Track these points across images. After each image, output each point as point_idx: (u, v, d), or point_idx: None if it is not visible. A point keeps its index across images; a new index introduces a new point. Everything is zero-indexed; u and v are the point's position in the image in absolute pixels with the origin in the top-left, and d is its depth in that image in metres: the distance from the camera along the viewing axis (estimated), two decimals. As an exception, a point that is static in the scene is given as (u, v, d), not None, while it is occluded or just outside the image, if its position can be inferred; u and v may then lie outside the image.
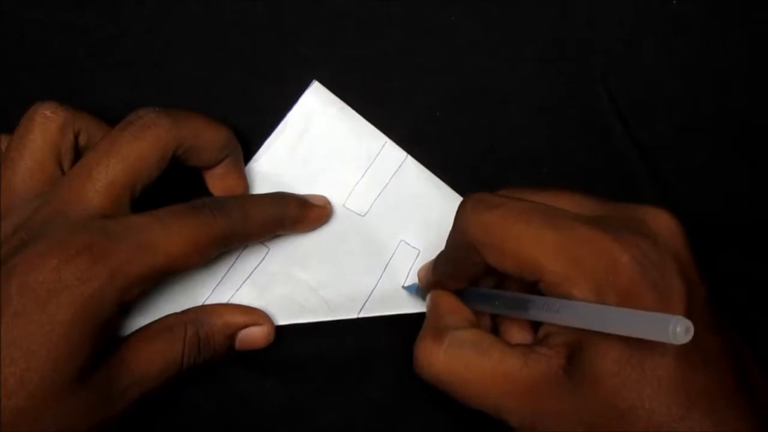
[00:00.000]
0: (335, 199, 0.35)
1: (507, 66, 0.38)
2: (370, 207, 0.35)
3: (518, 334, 0.30)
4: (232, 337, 0.31)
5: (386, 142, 0.36)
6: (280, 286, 0.33)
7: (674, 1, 0.38)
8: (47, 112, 0.30)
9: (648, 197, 0.36)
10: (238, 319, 0.31)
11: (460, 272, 0.30)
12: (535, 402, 0.25)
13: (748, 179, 0.37)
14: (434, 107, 0.37)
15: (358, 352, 0.34)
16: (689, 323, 0.20)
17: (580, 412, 0.24)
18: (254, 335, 0.32)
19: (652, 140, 0.37)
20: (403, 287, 0.34)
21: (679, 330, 0.20)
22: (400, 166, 0.36)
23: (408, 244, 0.35)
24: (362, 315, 0.34)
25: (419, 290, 0.34)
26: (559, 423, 0.25)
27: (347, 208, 0.35)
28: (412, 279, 0.34)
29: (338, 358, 0.34)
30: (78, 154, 0.31)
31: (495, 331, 0.31)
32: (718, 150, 0.37)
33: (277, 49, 0.37)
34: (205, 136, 0.31)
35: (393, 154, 0.36)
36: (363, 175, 0.36)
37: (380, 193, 0.35)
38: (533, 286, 0.26)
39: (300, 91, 0.36)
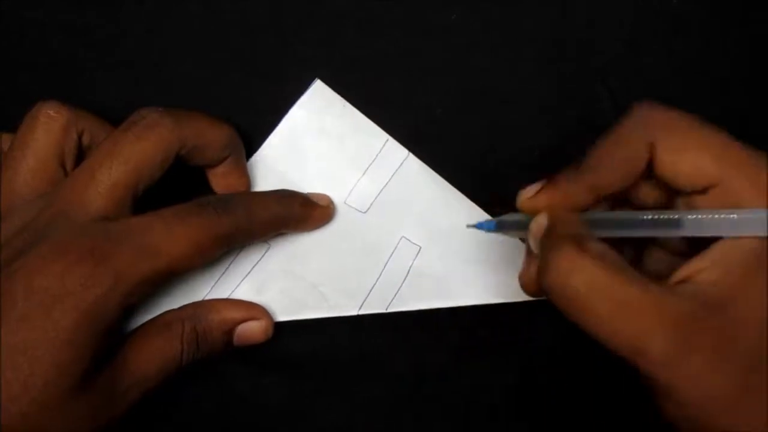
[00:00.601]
0: (336, 196, 0.35)
1: (507, 66, 0.38)
2: (372, 204, 0.35)
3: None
4: (230, 332, 0.31)
5: (388, 140, 0.36)
6: (279, 283, 0.33)
7: (674, 1, 0.38)
8: (51, 112, 0.30)
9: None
10: (236, 314, 0.31)
11: (606, 179, 0.27)
12: (683, 335, 0.23)
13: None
14: (434, 107, 0.37)
15: (358, 349, 0.34)
16: None
17: (736, 346, 0.23)
18: (252, 330, 0.32)
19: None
20: (470, 226, 0.31)
21: None
22: (401, 164, 0.36)
23: (409, 241, 0.35)
24: (362, 312, 0.34)
25: (507, 222, 0.30)
26: (710, 357, 0.23)
27: (348, 205, 0.35)
28: (414, 276, 0.34)
29: (338, 356, 0.34)
30: (81, 153, 0.31)
31: None
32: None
33: (277, 49, 0.37)
34: (208, 135, 0.31)
35: (394, 151, 0.36)
36: (364, 172, 0.36)
37: (381, 190, 0.35)
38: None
39: (300, 91, 0.36)
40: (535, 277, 0.26)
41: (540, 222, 0.27)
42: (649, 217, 0.26)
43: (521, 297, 0.34)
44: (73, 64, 0.37)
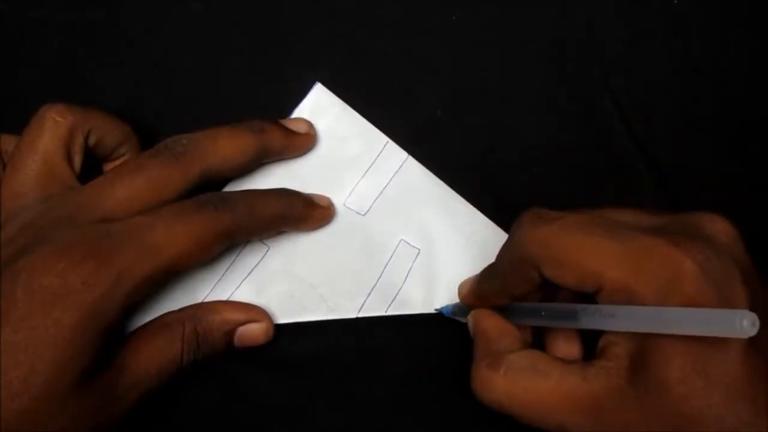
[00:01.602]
0: (336, 198, 0.35)
1: (507, 66, 0.38)
2: (371, 206, 0.35)
3: (564, 348, 0.30)
4: (230, 333, 0.31)
5: (387, 143, 0.36)
6: (279, 285, 0.33)
7: (674, 1, 0.38)
8: (56, 117, 0.30)
9: (648, 197, 0.36)
10: (237, 315, 0.31)
11: (510, 289, 0.29)
12: (599, 417, 0.25)
13: (748, 179, 0.37)
14: (434, 107, 0.37)
15: (358, 351, 0.34)
16: (755, 316, 0.20)
17: (648, 422, 0.24)
18: (253, 332, 0.32)
19: (652, 140, 0.37)
20: (436, 310, 0.34)
21: (746, 323, 0.20)
22: (401, 167, 0.36)
23: (408, 244, 0.35)
24: (362, 314, 0.34)
25: (456, 309, 0.33)
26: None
27: (348, 207, 0.35)
28: (413, 278, 0.34)
29: (337, 358, 0.34)
30: (88, 153, 0.32)
31: (537, 346, 0.31)
32: (718, 150, 0.37)
33: (277, 49, 0.37)
34: (232, 158, 0.31)
35: (394, 154, 0.36)
36: (364, 174, 0.36)
37: (381, 192, 0.35)
38: (585, 299, 0.26)
39: (300, 90, 0.36)
40: None
41: (470, 319, 0.32)
42: (547, 312, 0.29)
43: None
44: (73, 64, 0.37)
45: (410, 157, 0.36)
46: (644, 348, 0.25)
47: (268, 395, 0.33)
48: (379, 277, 0.34)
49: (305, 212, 0.33)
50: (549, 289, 0.29)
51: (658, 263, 0.24)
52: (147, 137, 0.34)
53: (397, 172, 0.36)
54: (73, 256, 0.26)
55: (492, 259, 0.34)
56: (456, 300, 0.34)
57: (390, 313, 0.34)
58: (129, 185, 0.29)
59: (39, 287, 0.25)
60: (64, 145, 0.30)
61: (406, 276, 0.34)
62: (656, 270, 0.24)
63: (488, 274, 0.31)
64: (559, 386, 0.26)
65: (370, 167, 0.36)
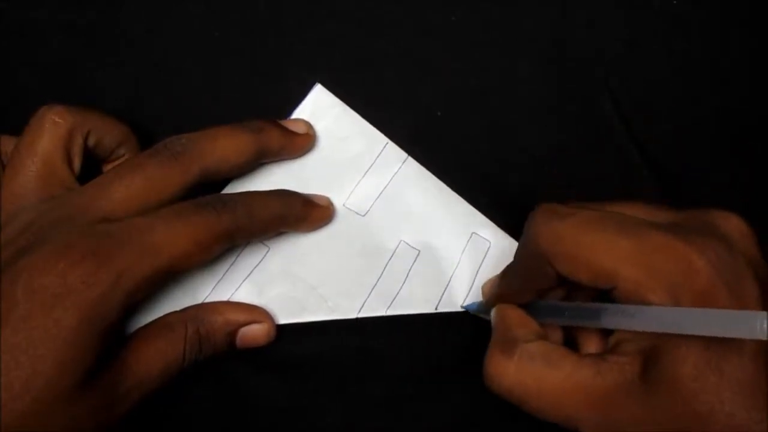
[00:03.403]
0: (336, 198, 0.35)
1: (507, 66, 0.38)
2: (371, 207, 0.35)
3: (591, 345, 0.30)
4: (232, 334, 0.31)
5: (387, 143, 0.36)
6: (279, 285, 0.33)
7: (674, 1, 0.38)
8: (56, 118, 0.30)
9: (648, 197, 0.36)
10: (239, 316, 0.31)
11: (529, 284, 0.29)
12: (609, 411, 0.25)
13: (748, 179, 0.37)
14: (434, 107, 0.37)
15: (358, 351, 0.34)
16: None
17: (658, 418, 0.24)
18: (255, 333, 0.32)
19: (652, 140, 0.37)
20: (463, 307, 0.34)
21: (766, 326, 0.20)
22: (400, 167, 0.36)
23: (408, 245, 0.35)
24: (362, 315, 0.34)
25: (481, 306, 0.33)
26: (636, 431, 0.25)
27: (348, 208, 0.35)
28: (413, 279, 0.34)
29: (338, 358, 0.34)
30: (87, 154, 0.32)
31: (567, 343, 0.31)
32: (718, 150, 0.37)
33: (277, 49, 0.37)
34: (231, 159, 0.31)
35: (394, 154, 0.36)
36: (364, 175, 0.36)
37: (381, 193, 0.35)
38: (604, 296, 0.26)
39: (300, 91, 0.36)
40: None
41: (492, 318, 0.31)
42: (570, 311, 0.29)
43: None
44: (73, 64, 0.37)
45: (410, 158, 0.36)
46: (658, 344, 0.25)
47: (269, 396, 0.33)
48: (380, 278, 0.34)
49: (304, 212, 0.33)
50: (571, 285, 0.29)
51: (671, 260, 0.24)
52: (147, 137, 0.34)
53: (396, 172, 0.36)
54: (72, 256, 0.26)
55: (492, 259, 0.34)
56: (479, 298, 0.34)
57: (390, 313, 0.34)
58: (128, 185, 0.29)
59: (39, 288, 0.25)
60: (64, 146, 0.30)
61: (406, 276, 0.34)
62: (669, 267, 0.24)
63: (507, 272, 0.31)
64: (570, 378, 0.26)
65: (370, 168, 0.36)
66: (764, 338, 0.20)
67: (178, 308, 0.31)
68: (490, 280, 0.33)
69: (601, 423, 0.25)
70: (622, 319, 0.25)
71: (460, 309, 0.34)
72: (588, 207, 0.28)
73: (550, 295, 0.30)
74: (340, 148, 0.36)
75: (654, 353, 0.25)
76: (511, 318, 0.30)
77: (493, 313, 0.31)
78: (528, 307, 0.31)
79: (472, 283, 0.34)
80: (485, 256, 0.35)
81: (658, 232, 0.25)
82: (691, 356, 0.24)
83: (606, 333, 0.29)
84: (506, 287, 0.31)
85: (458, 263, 0.35)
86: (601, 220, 0.26)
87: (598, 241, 0.26)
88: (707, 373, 0.23)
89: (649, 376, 0.24)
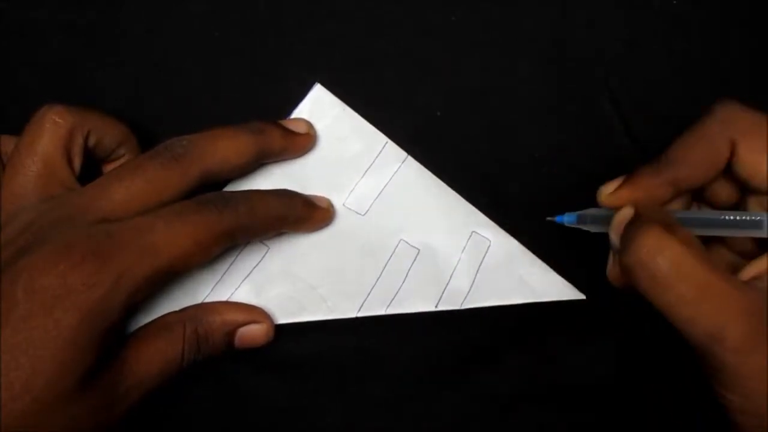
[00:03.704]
0: (335, 198, 0.35)
1: (507, 66, 0.38)
2: (370, 206, 0.35)
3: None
4: (231, 334, 0.31)
5: (387, 143, 0.36)
6: (279, 285, 0.33)
7: (674, 1, 0.38)
8: (56, 118, 0.30)
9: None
10: (237, 316, 0.31)
11: (686, 173, 0.28)
12: (760, 325, 0.24)
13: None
14: (434, 107, 0.37)
15: (358, 351, 0.34)
16: None
17: None
18: (254, 333, 0.32)
19: (652, 140, 0.37)
20: (549, 219, 0.32)
21: None
22: (400, 166, 0.36)
23: (407, 244, 0.35)
24: (361, 314, 0.34)
25: (588, 217, 0.31)
26: None
27: (347, 207, 0.35)
28: (413, 278, 0.34)
29: (338, 358, 0.34)
30: (87, 154, 0.32)
31: None
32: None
33: (277, 49, 0.37)
34: (232, 160, 0.31)
35: (393, 154, 0.36)
36: (363, 174, 0.36)
37: (380, 192, 0.35)
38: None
39: (300, 91, 0.36)
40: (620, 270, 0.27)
41: (624, 214, 0.27)
42: (732, 217, 0.27)
43: (519, 299, 0.34)
44: (73, 64, 0.37)
45: (410, 157, 0.36)
46: None
47: (269, 395, 0.33)
48: (379, 277, 0.34)
49: (305, 213, 0.33)
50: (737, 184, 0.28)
51: None
52: (147, 137, 0.34)
53: (396, 172, 0.36)
54: (73, 256, 0.26)
55: (492, 258, 0.34)
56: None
57: (390, 312, 0.34)
58: (129, 186, 0.29)
59: (39, 288, 0.25)
60: (64, 146, 0.30)
61: (406, 276, 0.34)
62: None
63: (656, 163, 0.29)
64: (727, 280, 0.24)
65: (369, 167, 0.36)
66: None
67: (177, 308, 0.31)
68: (609, 183, 0.30)
69: (752, 334, 0.24)
70: None
71: (460, 308, 0.34)
72: None
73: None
74: (339, 147, 0.36)
75: None
76: (655, 209, 0.28)
77: (623, 212, 0.28)
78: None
79: (472, 283, 0.34)
80: (485, 255, 0.35)
81: None
82: None
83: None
84: (654, 177, 0.29)
85: (458, 262, 0.35)
86: None
87: None
88: None
89: None
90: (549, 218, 0.32)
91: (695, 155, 0.28)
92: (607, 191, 0.30)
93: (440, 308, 0.34)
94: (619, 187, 0.29)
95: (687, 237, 0.25)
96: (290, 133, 0.34)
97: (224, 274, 0.33)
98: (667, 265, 0.25)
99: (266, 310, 0.33)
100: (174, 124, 0.33)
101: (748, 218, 0.27)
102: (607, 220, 0.29)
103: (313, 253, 0.34)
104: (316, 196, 0.34)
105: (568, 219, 0.31)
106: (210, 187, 0.31)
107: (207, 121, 0.32)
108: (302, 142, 0.35)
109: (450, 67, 0.38)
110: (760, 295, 0.24)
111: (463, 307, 0.34)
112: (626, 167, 0.36)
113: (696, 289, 0.24)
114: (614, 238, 0.28)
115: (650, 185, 0.29)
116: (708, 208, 0.31)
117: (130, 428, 0.29)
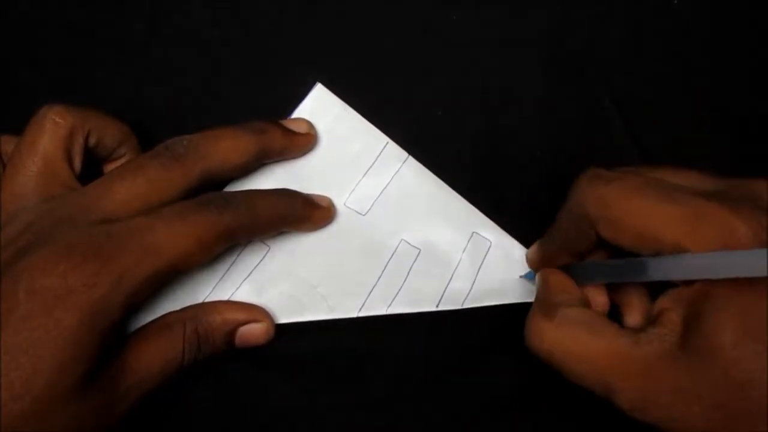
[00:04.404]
0: (336, 198, 0.35)
1: (507, 66, 0.38)
2: (371, 206, 0.35)
3: (634, 316, 0.30)
4: (231, 333, 0.31)
5: (388, 143, 0.36)
6: (280, 285, 0.33)
7: (674, 1, 0.38)
8: (56, 118, 0.30)
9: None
10: (237, 315, 0.31)
11: (570, 246, 0.30)
12: (647, 381, 0.25)
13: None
14: (434, 107, 0.37)
15: (358, 351, 0.34)
16: None
17: (698, 387, 0.24)
18: (254, 332, 0.32)
19: (652, 140, 0.37)
20: (521, 277, 0.35)
21: None
22: (401, 166, 0.36)
23: (408, 244, 0.35)
24: (362, 314, 0.34)
25: (534, 275, 0.34)
26: (674, 400, 0.25)
27: (348, 207, 0.35)
28: (413, 278, 0.34)
29: (338, 357, 0.34)
30: (88, 154, 0.32)
31: (610, 316, 0.30)
32: (718, 150, 0.37)
33: (277, 49, 0.37)
34: (233, 160, 0.32)
35: (394, 154, 0.36)
36: (364, 174, 0.36)
37: (381, 192, 0.36)
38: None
39: (300, 91, 0.36)
40: None
41: (536, 282, 0.32)
42: (611, 268, 0.29)
43: (520, 299, 0.34)
44: (74, 63, 0.37)
45: (410, 157, 0.36)
46: (698, 313, 0.24)
47: (269, 395, 0.33)
48: (380, 277, 0.34)
49: (306, 212, 0.33)
50: (611, 248, 0.29)
51: (715, 227, 0.24)
52: (147, 137, 0.34)
53: (397, 172, 0.36)
54: (73, 257, 0.26)
55: (492, 258, 0.34)
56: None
57: (390, 312, 0.34)
58: (129, 186, 0.29)
59: (40, 288, 0.25)
60: (64, 146, 0.30)
61: (407, 275, 0.34)
62: (712, 234, 0.24)
63: (548, 235, 0.32)
64: (610, 345, 0.26)
65: (370, 167, 0.36)
66: None
67: (178, 308, 0.31)
68: (534, 245, 0.34)
69: (638, 393, 0.25)
70: (669, 268, 0.25)
71: (459, 307, 0.34)
72: (633, 172, 0.28)
73: (588, 258, 0.31)
74: (340, 147, 0.36)
75: (694, 323, 0.25)
76: (553, 282, 0.31)
77: (537, 276, 0.32)
78: (571, 269, 0.31)
79: (473, 283, 0.35)
80: (486, 255, 0.35)
81: (703, 198, 0.25)
82: (731, 323, 0.24)
83: (647, 303, 0.30)
84: (546, 249, 0.32)
85: (459, 262, 0.35)
86: (647, 185, 0.27)
87: (643, 207, 0.26)
88: (747, 340, 0.23)
89: (689, 346, 0.24)
90: (520, 276, 0.35)
91: (568, 232, 0.30)
92: (529, 254, 0.34)
93: (441, 308, 0.34)
94: (534, 253, 0.33)
95: (569, 316, 0.28)
96: (291, 133, 0.34)
97: (225, 273, 0.33)
98: (548, 348, 0.28)
99: (267, 309, 0.33)
100: (174, 124, 0.33)
101: (633, 264, 0.27)
102: None
103: (314, 253, 0.34)
104: (316, 196, 0.34)
105: (527, 276, 0.34)
106: (211, 187, 0.31)
107: (207, 121, 0.32)
108: (303, 142, 0.35)
109: (450, 67, 0.38)
110: (650, 350, 0.25)
111: (463, 307, 0.34)
112: (627, 167, 0.36)
113: (579, 363, 0.27)
114: None
115: (548, 252, 0.32)
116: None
117: (130, 428, 0.29)
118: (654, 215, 0.26)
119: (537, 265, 0.33)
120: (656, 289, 0.28)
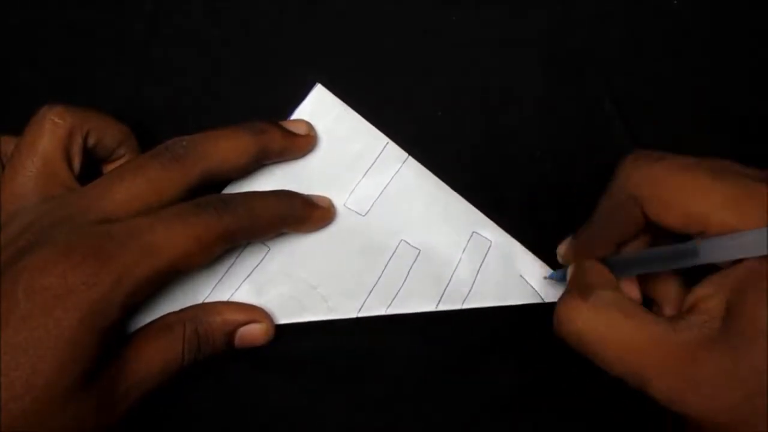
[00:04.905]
0: (336, 198, 0.35)
1: (507, 66, 0.38)
2: (371, 207, 0.35)
3: (669, 306, 0.30)
4: (231, 334, 0.31)
5: (387, 143, 0.36)
6: (279, 285, 0.33)
7: (674, 1, 0.38)
8: (56, 118, 0.30)
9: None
10: (237, 316, 0.31)
11: (613, 233, 0.29)
12: (687, 368, 0.24)
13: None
14: (434, 107, 0.37)
15: (358, 351, 0.34)
16: None
17: (740, 373, 0.23)
18: (253, 332, 0.32)
19: (652, 140, 0.37)
20: (545, 278, 0.35)
21: None
22: (401, 167, 0.36)
23: (408, 244, 0.35)
24: (362, 314, 0.34)
25: (559, 274, 0.33)
26: (715, 387, 0.24)
27: (348, 208, 0.35)
28: (413, 278, 0.34)
29: (338, 358, 0.34)
30: (87, 154, 0.32)
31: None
32: (718, 150, 0.37)
33: (277, 49, 0.37)
34: (232, 160, 0.32)
35: (394, 154, 0.36)
36: (364, 175, 0.36)
37: (381, 192, 0.35)
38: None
39: (300, 91, 0.36)
40: None
41: (569, 271, 0.31)
42: (654, 255, 0.28)
43: (520, 299, 0.34)
44: (74, 63, 0.37)
45: (410, 158, 0.36)
46: (744, 296, 0.24)
47: (269, 395, 0.33)
48: (380, 277, 0.34)
49: (305, 213, 0.33)
50: (655, 232, 0.29)
51: (763, 207, 0.24)
52: (147, 137, 0.34)
53: (397, 172, 0.36)
54: (73, 257, 0.26)
55: (492, 258, 0.34)
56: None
57: (390, 312, 0.34)
58: (129, 186, 0.29)
59: (40, 288, 0.25)
60: (64, 146, 0.30)
61: (407, 276, 0.34)
62: (762, 213, 0.24)
63: (588, 224, 0.31)
64: (645, 330, 0.25)
65: (370, 168, 0.36)
66: None
67: (178, 308, 0.31)
68: (565, 241, 0.33)
69: (676, 381, 0.25)
70: (723, 248, 0.25)
71: (459, 308, 0.34)
72: (677, 154, 0.27)
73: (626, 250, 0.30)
74: (340, 148, 0.36)
75: (739, 306, 0.24)
76: (588, 267, 0.30)
77: (570, 268, 0.31)
78: (606, 263, 0.30)
79: (473, 283, 0.35)
80: (486, 255, 0.35)
81: (751, 179, 0.25)
82: None
83: (682, 293, 0.29)
84: (586, 238, 0.31)
85: (459, 263, 0.35)
86: (696, 165, 0.26)
87: (692, 185, 0.26)
88: None
89: (733, 330, 0.24)
90: (545, 277, 0.35)
91: (612, 218, 0.29)
92: (559, 251, 0.33)
93: (441, 308, 0.34)
94: (568, 246, 0.32)
95: (604, 298, 0.27)
96: (291, 134, 0.34)
97: (225, 274, 0.33)
98: (581, 331, 0.27)
99: (267, 310, 0.33)
100: (174, 124, 0.33)
101: (681, 248, 0.27)
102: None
103: (314, 254, 0.34)
104: (316, 196, 0.34)
105: (554, 276, 0.34)
106: (211, 187, 0.31)
107: (207, 121, 0.32)
108: (302, 143, 0.35)
109: (450, 67, 0.38)
110: (688, 336, 0.25)
111: (463, 307, 0.34)
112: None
113: (613, 348, 0.26)
114: None
115: (587, 244, 0.31)
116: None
117: (130, 428, 0.29)
118: (703, 194, 0.25)
119: (571, 257, 0.32)
120: (690, 279, 0.27)
